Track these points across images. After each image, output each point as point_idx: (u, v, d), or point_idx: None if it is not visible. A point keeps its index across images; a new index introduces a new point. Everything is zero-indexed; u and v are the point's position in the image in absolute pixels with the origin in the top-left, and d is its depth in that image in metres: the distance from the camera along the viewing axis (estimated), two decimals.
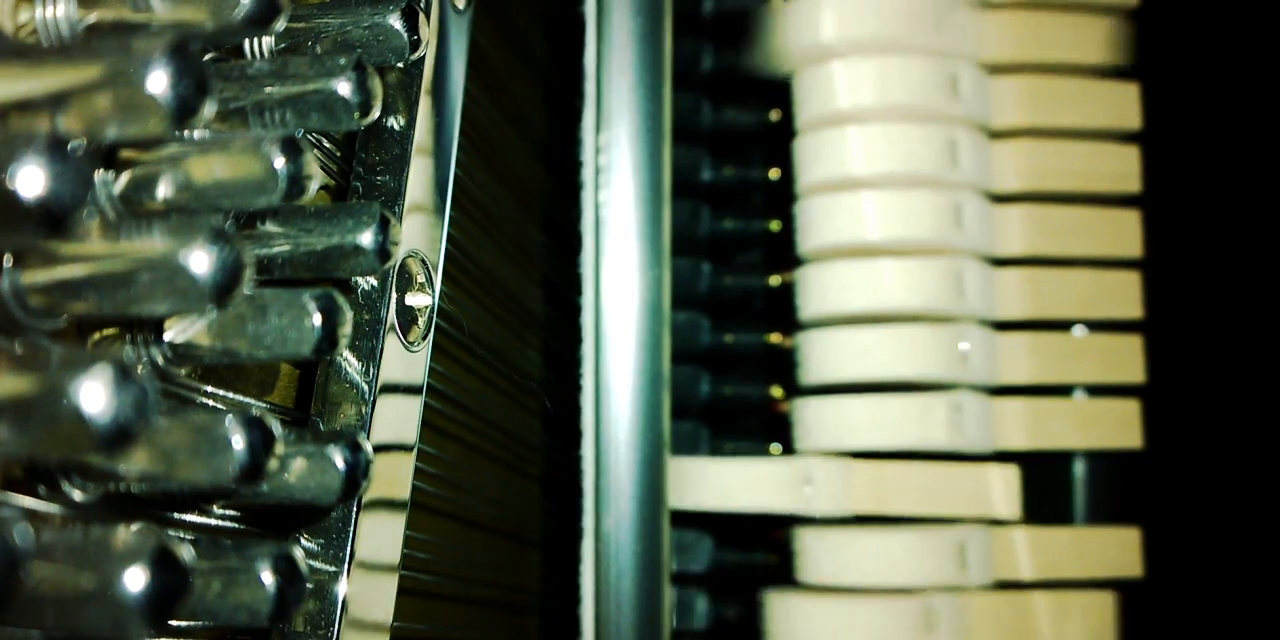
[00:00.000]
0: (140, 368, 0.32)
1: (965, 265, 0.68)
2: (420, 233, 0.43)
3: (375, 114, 0.35)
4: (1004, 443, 0.70)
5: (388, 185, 0.42)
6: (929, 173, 0.68)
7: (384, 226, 0.36)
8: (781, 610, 0.67)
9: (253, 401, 0.38)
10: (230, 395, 0.37)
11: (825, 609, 0.67)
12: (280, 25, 0.32)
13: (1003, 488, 0.69)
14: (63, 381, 0.24)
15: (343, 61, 0.34)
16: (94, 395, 0.24)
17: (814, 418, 0.69)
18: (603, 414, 0.64)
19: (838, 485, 0.67)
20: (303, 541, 0.38)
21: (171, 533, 0.34)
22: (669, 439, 0.65)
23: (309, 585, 0.32)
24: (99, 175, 0.31)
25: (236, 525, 0.37)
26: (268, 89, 0.34)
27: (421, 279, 0.42)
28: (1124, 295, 0.72)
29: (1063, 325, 0.72)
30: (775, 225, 0.75)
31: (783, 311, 0.73)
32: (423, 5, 0.42)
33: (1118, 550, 0.70)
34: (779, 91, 0.74)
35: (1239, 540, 0.89)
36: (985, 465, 0.69)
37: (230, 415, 0.29)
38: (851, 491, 0.67)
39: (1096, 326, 0.72)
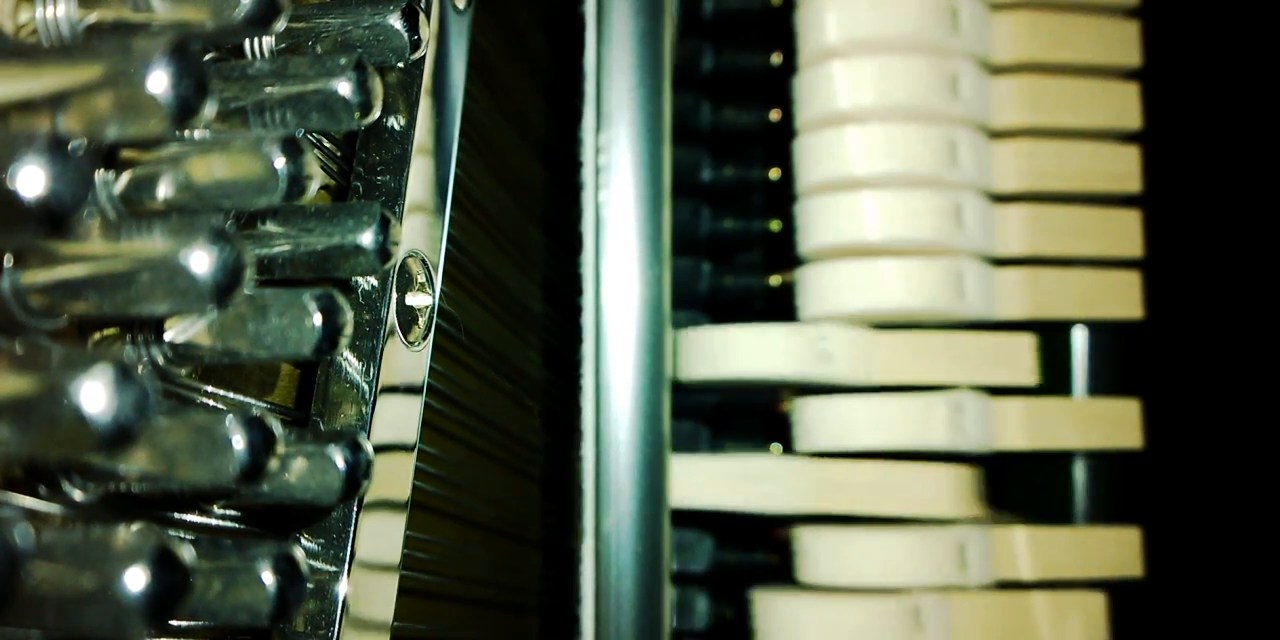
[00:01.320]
0: (140, 368, 0.32)
1: (965, 265, 0.69)
2: (420, 233, 0.43)
3: (375, 114, 0.35)
4: (1004, 443, 0.70)
5: (388, 185, 0.42)
6: (929, 173, 0.68)
7: (384, 226, 0.36)
8: (778, 610, 0.67)
9: (253, 401, 0.38)
10: (231, 395, 0.37)
11: (823, 608, 0.67)
12: (280, 25, 0.32)
13: (951, 488, 0.69)
14: (63, 381, 0.24)
15: (343, 61, 0.34)
16: (94, 395, 0.24)
17: (813, 417, 0.69)
18: (603, 414, 0.64)
19: (797, 482, 0.67)
20: (303, 541, 0.38)
21: (172, 533, 0.34)
22: (670, 439, 0.65)
23: (309, 585, 0.32)
24: (99, 175, 0.31)
25: (237, 525, 0.37)
26: (268, 89, 0.34)
27: (422, 279, 0.42)
28: (1124, 295, 0.72)
29: (1063, 325, 0.72)
30: (775, 225, 0.75)
31: (783, 311, 0.73)
32: (423, 5, 0.42)
33: (1117, 550, 0.70)
34: (779, 91, 0.74)
35: (1238, 540, 0.89)
36: (937, 465, 0.69)
37: (230, 415, 0.29)
38: (813, 491, 0.67)
39: (1097, 326, 0.72)
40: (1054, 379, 0.72)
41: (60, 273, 0.28)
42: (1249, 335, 0.90)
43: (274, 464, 0.29)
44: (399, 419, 0.41)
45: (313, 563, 0.38)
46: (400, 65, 0.42)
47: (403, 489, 0.41)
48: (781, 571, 0.70)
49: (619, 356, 0.64)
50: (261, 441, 0.29)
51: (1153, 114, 0.73)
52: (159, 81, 0.26)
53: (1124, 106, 0.73)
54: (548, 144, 0.63)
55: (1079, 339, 0.72)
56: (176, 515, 0.35)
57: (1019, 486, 0.71)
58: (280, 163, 0.30)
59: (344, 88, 0.34)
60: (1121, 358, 0.72)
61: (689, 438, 0.73)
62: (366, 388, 0.39)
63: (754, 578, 0.72)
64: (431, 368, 0.43)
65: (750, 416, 0.75)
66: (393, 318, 0.40)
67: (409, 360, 0.41)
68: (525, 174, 0.60)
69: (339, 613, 0.37)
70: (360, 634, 0.38)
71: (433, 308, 0.43)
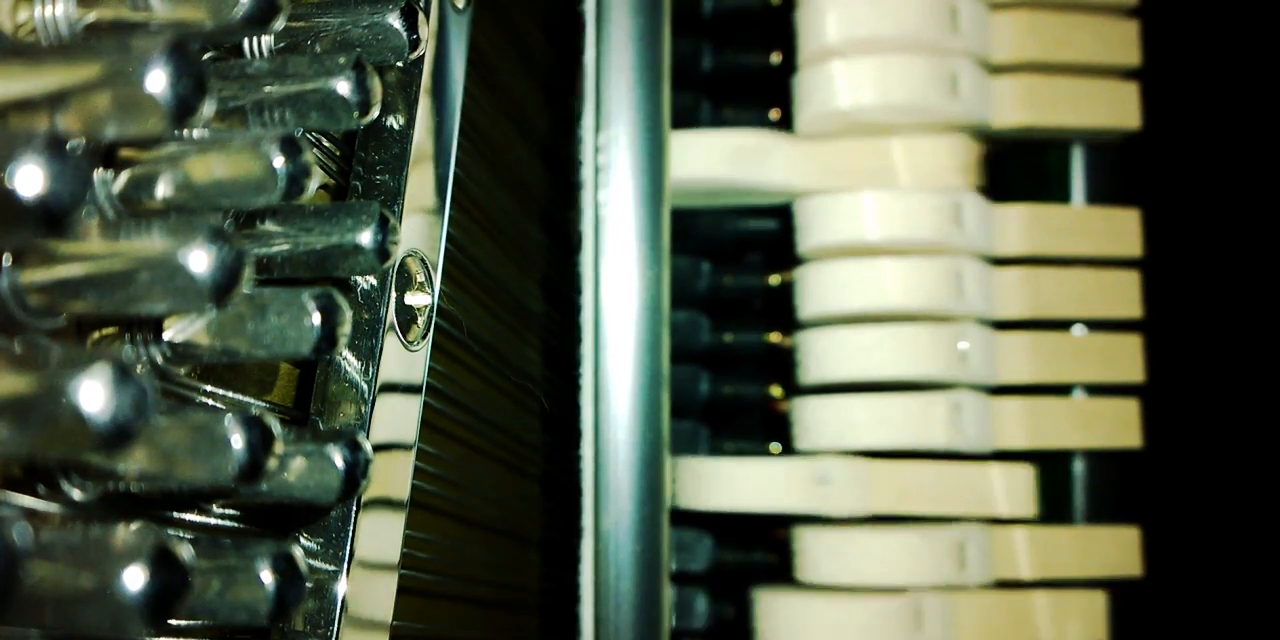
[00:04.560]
0: (139, 367, 0.32)
1: (964, 264, 0.68)
2: (420, 232, 0.43)
3: (374, 113, 0.35)
4: (1004, 442, 0.70)
5: (387, 184, 0.42)
6: None
7: (383, 226, 0.36)
8: (777, 609, 0.67)
9: (252, 400, 0.38)
10: (229, 394, 0.37)
11: (823, 608, 0.67)
12: (279, 24, 0.32)
13: (1015, 487, 0.69)
14: (62, 380, 0.24)
15: (342, 60, 0.34)
16: (93, 394, 0.24)
17: (814, 417, 0.69)
18: (602, 413, 0.64)
19: (855, 485, 0.67)
20: (302, 540, 0.38)
21: (171, 532, 0.34)
22: (669, 438, 0.65)
23: (308, 584, 0.32)
24: (98, 174, 0.31)
25: (236, 524, 0.37)
26: (267, 88, 0.34)
27: (421, 278, 0.42)
28: (1123, 295, 0.72)
29: (1062, 324, 0.72)
30: (774, 224, 0.75)
31: (782, 311, 0.73)
32: (422, 4, 0.42)
33: (1117, 550, 0.70)
34: (779, 90, 0.74)
35: (1238, 539, 0.89)
36: (999, 464, 0.69)
37: (229, 414, 0.29)
38: (870, 492, 0.67)
39: (1096, 326, 0.72)
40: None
41: (59, 272, 0.28)
42: (1248, 336, 0.90)
43: (273, 463, 0.29)
44: (398, 418, 0.41)
45: (312, 562, 0.38)
46: (399, 64, 0.42)
47: (402, 488, 0.41)
48: (781, 571, 0.70)
49: (618, 356, 0.64)
50: (260, 441, 0.29)
51: (1152, 114, 0.73)
52: (157, 80, 0.26)
53: (1123, 106, 0.73)
54: (547, 143, 0.63)
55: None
56: (175, 514, 0.35)
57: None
58: (279, 162, 0.30)
59: (343, 87, 0.34)
60: None
61: (689, 437, 0.73)
62: (365, 387, 0.39)
63: (753, 577, 0.72)
64: (431, 367, 0.43)
65: (750, 416, 0.75)
66: (392, 317, 0.40)
67: (408, 359, 0.41)
68: (525, 173, 0.60)
69: (338, 612, 0.37)
70: (359, 633, 0.38)
71: (432, 307, 0.43)
